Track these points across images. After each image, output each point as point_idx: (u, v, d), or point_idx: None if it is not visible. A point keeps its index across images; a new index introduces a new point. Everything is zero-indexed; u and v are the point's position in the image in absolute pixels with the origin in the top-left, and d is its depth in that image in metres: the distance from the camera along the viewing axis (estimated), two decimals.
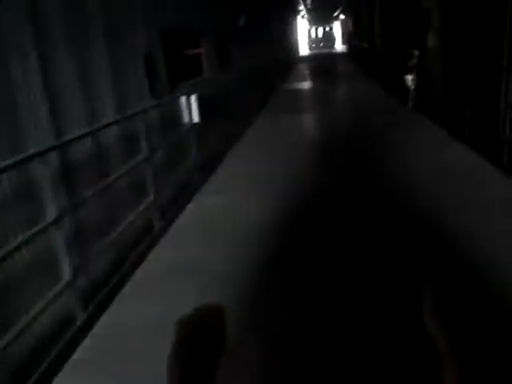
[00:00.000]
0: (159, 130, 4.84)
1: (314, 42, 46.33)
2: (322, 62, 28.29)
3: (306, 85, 17.00)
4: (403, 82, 10.33)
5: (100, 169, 3.83)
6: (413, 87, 10.04)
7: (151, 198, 4.39)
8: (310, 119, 10.34)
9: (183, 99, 5.68)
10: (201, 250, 3.87)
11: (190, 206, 5.07)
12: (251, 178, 5.89)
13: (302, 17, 36.32)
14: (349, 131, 8.65)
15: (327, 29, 46.32)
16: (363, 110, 10.88)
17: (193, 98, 5.75)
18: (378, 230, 4.04)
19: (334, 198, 5.03)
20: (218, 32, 8.14)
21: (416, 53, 9.67)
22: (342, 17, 35.62)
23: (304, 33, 43.48)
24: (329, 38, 46.15)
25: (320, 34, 47.08)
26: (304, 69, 24.13)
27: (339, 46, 41.98)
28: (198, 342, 0.69)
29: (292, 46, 26.66)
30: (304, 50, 41.10)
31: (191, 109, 5.79)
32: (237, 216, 4.62)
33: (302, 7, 29.52)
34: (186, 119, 5.73)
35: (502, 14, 5.95)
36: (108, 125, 3.94)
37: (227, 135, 7.07)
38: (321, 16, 38.40)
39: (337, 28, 44.36)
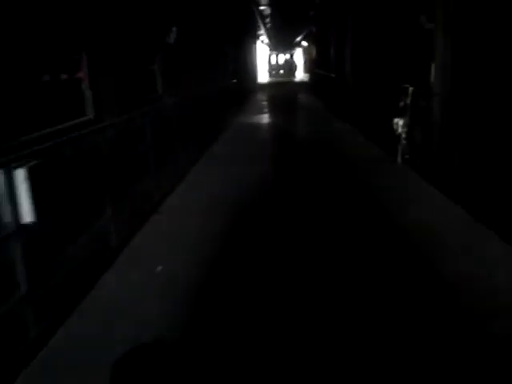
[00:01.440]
0: None
1: (274, 69, 44.21)
2: (283, 92, 25.94)
3: (264, 121, 14.31)
4: (389, 126, 7.76)
5: None
6: (404, 135, 7.46)
7: None
8: (261, 181, 7.18)
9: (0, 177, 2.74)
10: None
11: None
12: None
13: (262, 42, 34.06)
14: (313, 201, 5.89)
15: (288, 56, 44.37)
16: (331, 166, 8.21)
17: (20, 172, 2.81)
18: None
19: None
20: (124, 48, 5.22)
21: (410, 89, 7.13)
22: (304, 43, 33.63)
23: (264, 59, 41.39)
24: (290, 65, 44.20)
25: (281, 61, 45.05)
26: (262, 99, 21.58)
27: (301, 75, 40.14)
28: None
29: (250, 73, 24.13)
30: (264, 76, 39.11)
31: (21, 195, 2.84)
32: None
33: (262, 31, 27.17)
34: (6, 217, 2.78)
35: None
36: None
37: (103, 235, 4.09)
38: (282, 42, 36.25)
39: (298, 55, 42.50)
